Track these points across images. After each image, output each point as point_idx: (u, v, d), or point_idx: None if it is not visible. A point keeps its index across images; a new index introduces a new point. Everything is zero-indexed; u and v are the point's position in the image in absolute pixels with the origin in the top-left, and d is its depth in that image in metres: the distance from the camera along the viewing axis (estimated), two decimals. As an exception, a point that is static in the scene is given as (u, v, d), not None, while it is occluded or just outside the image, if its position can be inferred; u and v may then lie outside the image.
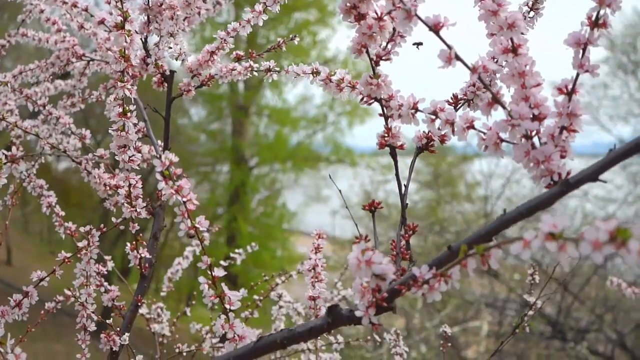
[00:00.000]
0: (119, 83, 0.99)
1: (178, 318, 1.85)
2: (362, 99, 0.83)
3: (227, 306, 0.81)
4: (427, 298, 0.62)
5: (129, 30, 0.99)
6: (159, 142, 1.26)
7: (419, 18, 0.67)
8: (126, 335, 1.12)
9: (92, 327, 1.13)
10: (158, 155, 0.73)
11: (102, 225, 1.13)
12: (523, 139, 0.68)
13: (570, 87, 0.68)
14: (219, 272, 0.82)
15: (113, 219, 1.14)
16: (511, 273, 6.88)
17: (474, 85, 0.82)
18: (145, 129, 1.23)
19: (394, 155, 0.86)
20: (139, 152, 1.05)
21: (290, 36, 1.28)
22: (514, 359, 6.49)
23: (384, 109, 0.84)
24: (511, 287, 6.77)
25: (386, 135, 0.84)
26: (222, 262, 1.69)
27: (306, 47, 10.43)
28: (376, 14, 0.74)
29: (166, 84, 1.24)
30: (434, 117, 0.77)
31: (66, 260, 1.10)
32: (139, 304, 1.18)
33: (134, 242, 1.12)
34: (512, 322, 1.26)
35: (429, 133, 0.83)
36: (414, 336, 6.61)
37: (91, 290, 1.11)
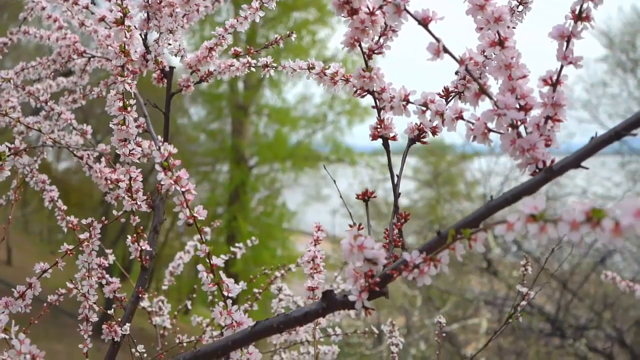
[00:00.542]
0: (119, 78, 1.02)
1: (179, 311, 1.87)
2: (355, 91, 0.86)
3: (225, 293, 0.84)
4: (417, 282, 0.64)
5: (129, 26, 1.02)
6: (159, 137, 1.29)
7: (408, 12, 0.69)
8: (127, 326, 1.15)
9: (94, 318, 1.15)
10: (157, 148, 0.76)
11: (103, 218, 1.15)
12: (509, 128, 0.70)
13: (554, 78, 0.70)
14: (217, 261, 0.84)
15: (114, 212, 1.17)
16: (510, 271, 6.91)
17: (464, 78, 0.84)
18: (145, 124, 1.25)
19: (386, 146, 0.88)
20: (139, 146, 1.07)
21: (287, 32, 1.30)
22: (513, 356, 6.51)
23: (377, 101, 0.86)
24: (510, 285, 6.78)
25: (379, 126, 0.87)
26: (222, 256, 1.71)
27: (305, 46, 10.44)
28: (368, 8, 0.77)
29: (166, 80, 1.27)
30: (424, 108, 0.80)
31: (68, 252, 1.12)
32: (140, 295, 1.20)
33: (135, 235, 1.15)
34: (511, 318, 1.28)
35: (420, 125, 0.85)
36: (414, 334, 6.64)
37: (93, 282, 1.13)
